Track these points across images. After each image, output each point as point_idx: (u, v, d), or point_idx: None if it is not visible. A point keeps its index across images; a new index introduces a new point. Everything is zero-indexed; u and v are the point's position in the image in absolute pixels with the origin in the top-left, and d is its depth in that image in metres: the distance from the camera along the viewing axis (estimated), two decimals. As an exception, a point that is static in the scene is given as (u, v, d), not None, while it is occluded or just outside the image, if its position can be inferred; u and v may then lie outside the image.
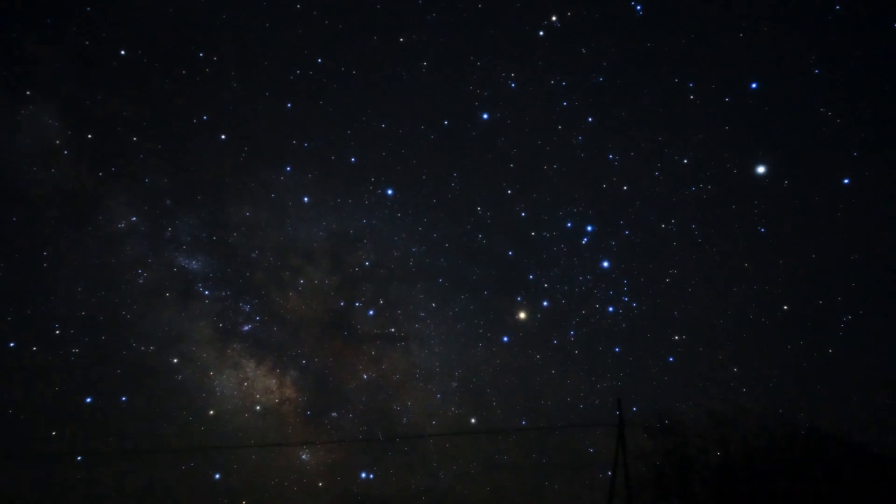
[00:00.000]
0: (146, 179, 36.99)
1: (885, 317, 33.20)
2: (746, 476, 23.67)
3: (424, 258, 39.30)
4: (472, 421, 36.51)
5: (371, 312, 38.78)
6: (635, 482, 23.32)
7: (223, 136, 37.55)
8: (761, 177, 35.51)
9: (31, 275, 34.37)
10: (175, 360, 35.54)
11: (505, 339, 37.73)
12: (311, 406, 37.34)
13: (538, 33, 37.96)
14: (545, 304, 38.24)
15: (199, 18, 37.89)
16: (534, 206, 39.31)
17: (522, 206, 39.46)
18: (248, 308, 37.72)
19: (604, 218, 38.45)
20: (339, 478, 35.43)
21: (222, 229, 37.94)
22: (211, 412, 35.18)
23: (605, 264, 37.60)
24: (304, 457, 35.66)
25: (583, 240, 38.16)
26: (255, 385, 36.55)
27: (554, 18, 37.45)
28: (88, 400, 33.47)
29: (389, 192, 39.14)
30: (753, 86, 35.48)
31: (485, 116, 39.14)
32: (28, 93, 34.61)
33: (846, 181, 34.08)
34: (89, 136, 35.82)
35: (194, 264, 37.17)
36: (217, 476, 33.68)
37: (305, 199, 38.72)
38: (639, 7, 36.75)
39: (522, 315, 37.90)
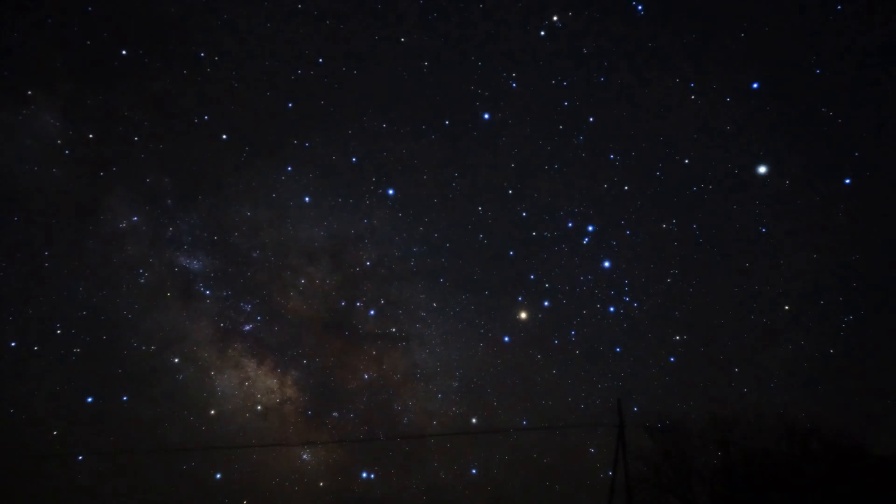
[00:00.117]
0: (147, 179, 37.15)
1: (885, 317, 33.32)
2: (746, 476, 23.70)
3: (425, 258, 39.30)
4: (473, 421, 36.57)
5: (372, 312, 38.84)
6: (635, 482, 23.34)
7: (224, 136, 37.61)
8: (762, 177, 35.63)
9: (32, 275, 34.48)
10: (176, 360, 35.67)
11: (506, 339, 37.75)
12: (312, 406, 37.45)
13: (539, 33, 38.08)
14: (546, 303, 38.23)
15: (200, 18, 38.03)
16: (535, 205, 39.34)
17: (523, 205, 39.49)
18: (249, 308, 37.80)
19: (605, 218, 38.51)
20: (339, 478, 35.54)
21: (223, 229, 38.05)
22: (212, 412, 35.30)
23: (606, 264, 37.62)
24: (304, 457, 35.79)
25: (584, 240, 38.19)
26: (255, 385, 36.65)
27: (555, 18, 37.53)
28: (89, 400, 33.59)
29: (390, 191, 39.20)
30: (754, 86, 35.59)
31: (486, 116, 39.19)
32: (28, 93, 34.74)
33: (847, 181, 34.22)
34: (90, 136, 35.96)
35: (195, 264, 37.25)
36: (218, 476, 33.77)
37: (306, 198, 38.79)
38: (640, 7, 36.83)
39: (523, 315, 37.90)
